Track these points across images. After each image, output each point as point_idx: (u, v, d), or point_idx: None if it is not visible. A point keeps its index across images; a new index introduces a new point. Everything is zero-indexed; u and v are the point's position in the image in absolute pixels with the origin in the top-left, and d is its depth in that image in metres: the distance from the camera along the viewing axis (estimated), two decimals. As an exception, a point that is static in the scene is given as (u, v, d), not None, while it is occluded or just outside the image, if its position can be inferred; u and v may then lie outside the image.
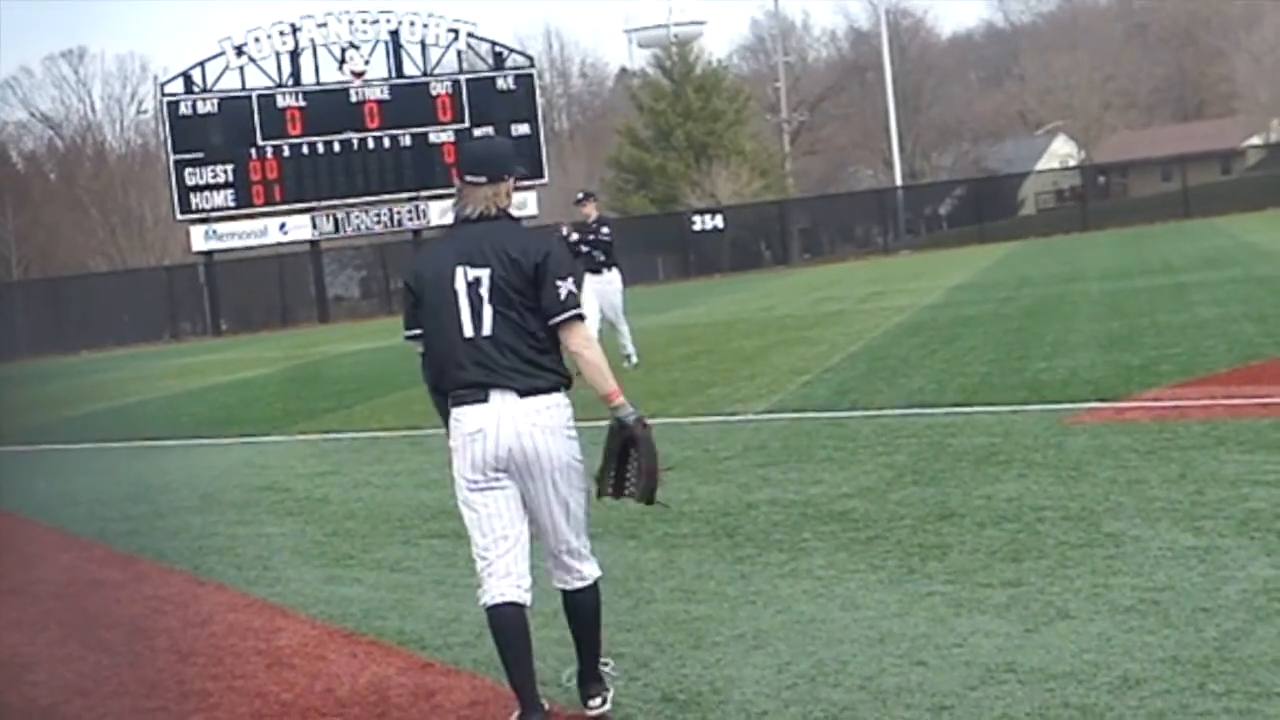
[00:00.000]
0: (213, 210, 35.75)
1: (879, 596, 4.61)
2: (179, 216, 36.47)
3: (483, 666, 4.25)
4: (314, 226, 36.59)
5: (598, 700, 3.72)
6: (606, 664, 3.80)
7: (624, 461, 3.72)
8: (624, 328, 13.25)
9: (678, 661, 4.11)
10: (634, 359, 13.10)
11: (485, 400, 3.52)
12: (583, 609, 3.73)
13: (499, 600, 3.56)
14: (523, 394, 3.54)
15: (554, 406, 3.59)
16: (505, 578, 3.59)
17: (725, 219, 42.52)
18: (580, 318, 3.62)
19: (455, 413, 3.57)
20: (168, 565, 6.28)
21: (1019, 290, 18.93)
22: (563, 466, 3.62)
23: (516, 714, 3.60)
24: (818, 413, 9.04)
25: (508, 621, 3.56)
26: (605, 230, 13.30)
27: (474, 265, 3.53)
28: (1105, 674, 3.67)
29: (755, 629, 4.37)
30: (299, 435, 10.85)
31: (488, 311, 3.54)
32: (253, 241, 36.67)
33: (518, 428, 3.53)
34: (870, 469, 6.85)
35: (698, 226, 42.32)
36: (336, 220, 36.65)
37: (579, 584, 3.72)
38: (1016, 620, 4.20)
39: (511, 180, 3.67)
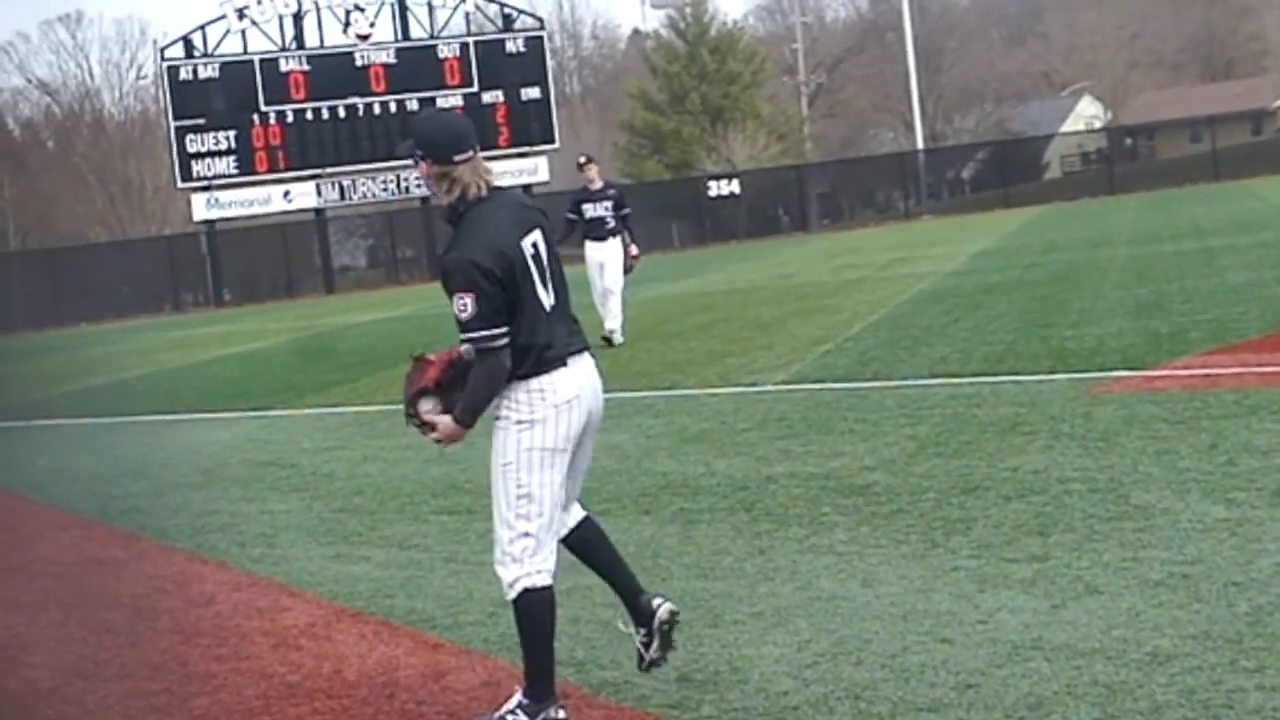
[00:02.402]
0: (215, 178, 35.41)
1: (902, 572, 4.54)
2: (180, 185, 36.14)
3: (494, 646, 4.19)
4: (319, 194, 36.20)
5: (658, 600, 3.63)
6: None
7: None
8: (615, 301, 12.69)
9: (695, 640, 4.04)
10: (619, 337, 12.60)
11: (566, 364, 3.45)
12: (602, 533, 3.69)
13: (548, 581, 3.42)
14: (584, 352, 3.54)
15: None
16: (550, 557, 3.46)
17: (742, 184, 42.24)
18: None
19: (540, 381, 3.40)
20: (170, 543, 6.23)
21: (1044, 256, 18.73)
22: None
23: (553, 708, 3.46)
24: (838, 383, 8.94)
25: (550, 602, 3.43)
26: (612, 192, 13.05)
27: (529, 231, 3.44)
28: (1135, 650, 3.60)
29: (774, 606, 4.31)
30: (304, 409, 10.79)
31: (551, 279, 3.49)
32: (256, 210, 36.31)
33: (597, 387, 3.54)
34: (892, 441, 6.75)
35: (713, 192, 42.06)
36: (342, 188, 36.26)
37: (582, 515, 3.69)
38: (1043, 596, 4.13)
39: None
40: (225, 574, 5.49)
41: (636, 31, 66.43)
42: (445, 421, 3.42)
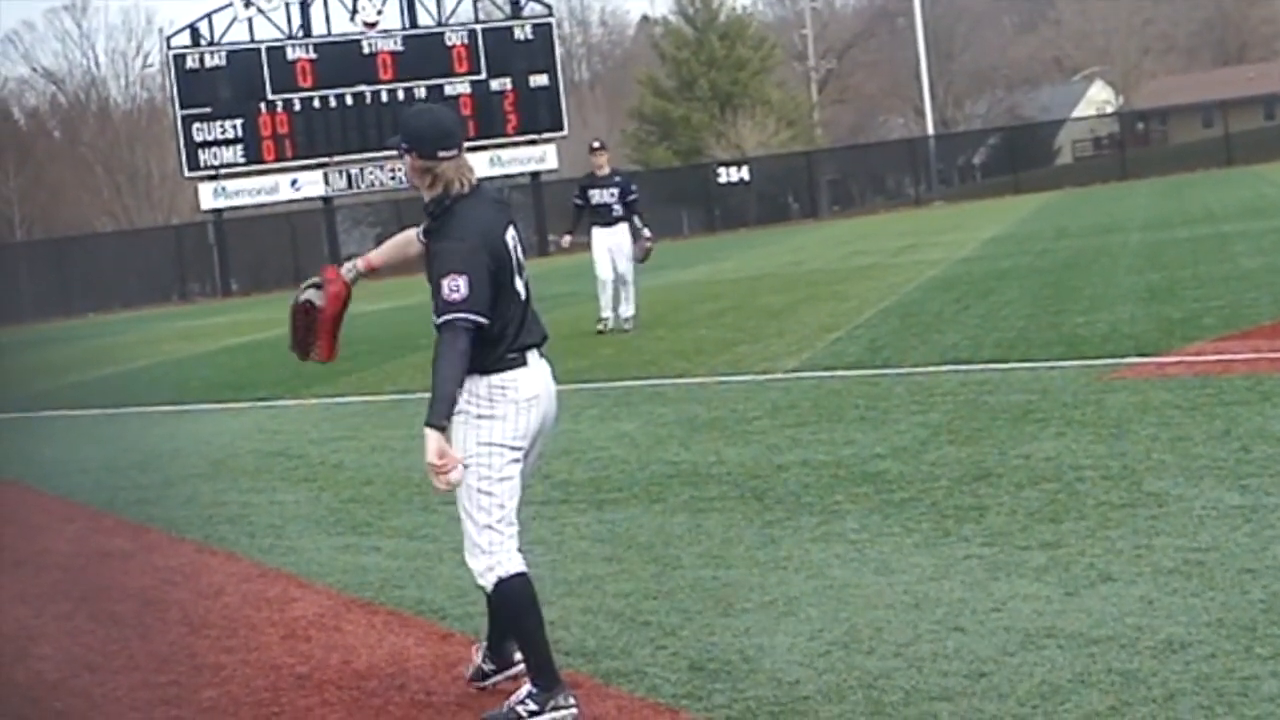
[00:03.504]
0: (222, 167, 35.32)
1: (914, 560, 4.51)
2: (187, 174, 36.02)
3: (505, 636, 4.17)
4: (326, 183, 36.07)
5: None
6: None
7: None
8: (630, 288, 12.76)
9: (706, 629, 4.03)
10: (631, 322, 12.65)
11: (527, 364, 3.51)
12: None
13: (520, 568, 3.48)
14: (541, 354, 3.59)
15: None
16: (516, 549, 3.54)
17: (751, 171, 42.10)
18: None
19: (503, 378, 3.45)
20: (178, 535, 6.22)
21: (1056, 242, 18.64)
22: None
23: (561, 695, 3.44)
24: (849, 371, 8.90)
25: (530, 591, 3.47)
26: (618, 179, 13.03)
27: (507, 226, 3.54)
28: (1148, 638, 3.58)
29: (786, 595, 4.28)
30: (313, 399, 10.75)
31: (524, 273, 3.58)
32: (263, 199, 36.19)
33: (550, 390, 3.59)
34: (904, 428, 6.72)
35: (723, 179, 41.92)
36: (350, 176, 36.12)
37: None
38: (1056, 583, 4.11)
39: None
40: (234, 565, 5.48)
41: (645, 18, 66.31)
42: (434, 447, 3.37)
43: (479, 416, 3.46)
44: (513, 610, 3.50)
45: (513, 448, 3.48)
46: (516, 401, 3.46)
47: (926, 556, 4.53)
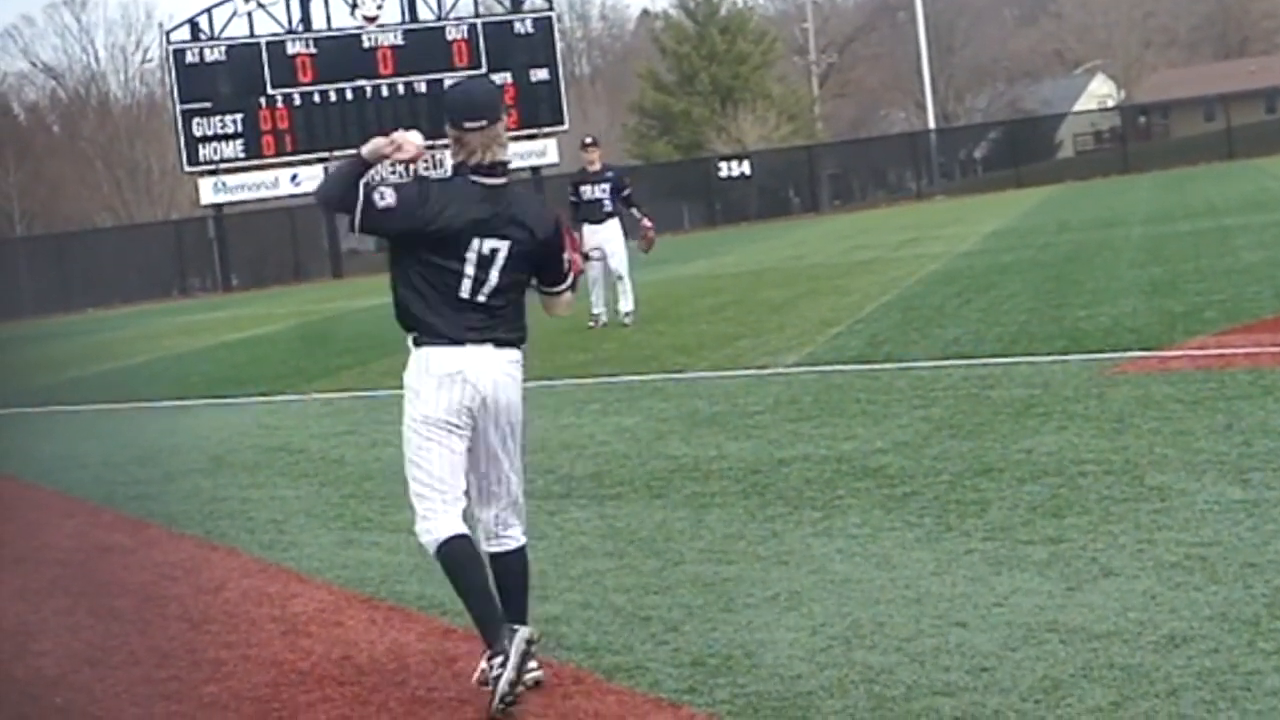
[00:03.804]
0: (222, 162, 35.30)
1: (916, 555, 4.51)
2: (187, 168, 36.01)
3: (507, 632, 4.16)
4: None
5: (533, 664, 3.63)
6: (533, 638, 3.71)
7: None
8: (626, 282, 12.77)
9: (708, 624, 4.03)
10: (631, 317, 12.65)
11: (461, 345, 3.56)
12: (515, 571, 3.71)
13: (454, 533, 3.53)
14: (497, 345, 3.60)
15: (517, 362, 3.66)
16: (457, 519, 3.58)
17: (752, 165, 42.04)
18: (572, 287, 3.77)
19: (424, 352, 3.56)
20: (178, 530, 6.20)
21: (1057, 236, 18.62)
22: (520, 421, 3.69)
23: (487, 655, 3.51)
24: (850, 365, 8.89)
25: (467, 552, 3.53)
26: (610, 175, 13.01)
27: (492, 236, 3.54)
28: (1151, 633, 3.57)
29: (788, 590, 4.28)
30: (313, 394, 10.74)
31: (493, 279, 3.58)
32: (263, 193, 36.18)
33: (495, 378, 3.58)
34: (905, 423, 6.71)
35: (724, 173, 41.86)
36: (349, 171, 36.36)
37: (514, 544, 3.71)
38: (1058, 578, 4.10)
39: (505, 122, 3.68)
40: (234, 560, 5.47)
41: (646, 12, 66.20)
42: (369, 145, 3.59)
43: (408, 389, 3.62)
44: (449, 574, 3.61)
45: (436, 422, 3.54)
46: (437, 376, 3.54)
47: (928, 551, 4.52)
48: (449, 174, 3.65)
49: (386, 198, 3.51)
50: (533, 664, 3.57)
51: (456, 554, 3.56)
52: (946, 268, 15.44)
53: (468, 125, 3.55)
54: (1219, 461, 5.22)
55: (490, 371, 3.58)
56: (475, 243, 3.54)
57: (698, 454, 6.55)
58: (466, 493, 3.63)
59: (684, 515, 5.38)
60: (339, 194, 3.53)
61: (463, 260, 3.54)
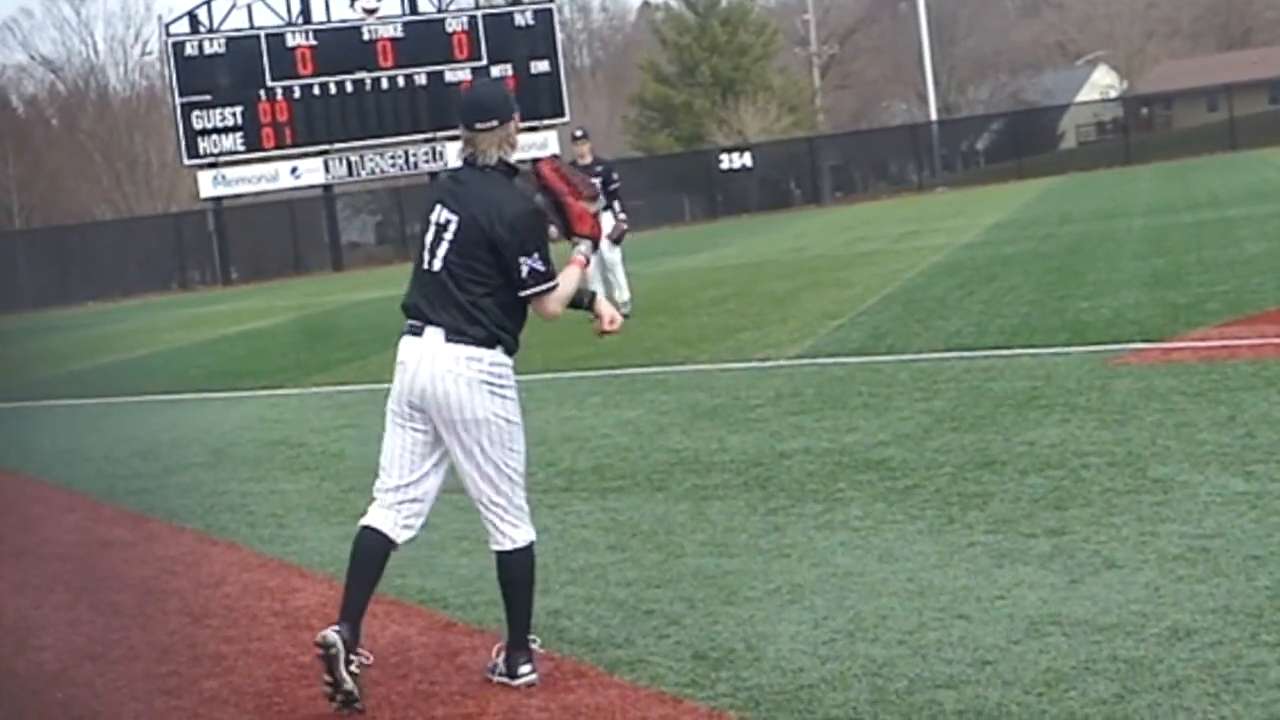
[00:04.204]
0: (221, 154, 35.14)
1: (918, 548, 4.50)
2: (186, 161, 35.84)
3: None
4: (327, 170, 35.85)
5: (527, 668, 3.64)
6: (534, 641, 3.72)
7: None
8: (619, 277, 12.75)
9: (710, 618, 4.02)
10: (628, 307, 12.55)
11: (419, 334, 3.63)
12: (505, 573, 3.70)
13: (366, 523, 3.69)
14: (449, 337, 3.60)
15: (476, 359, 3.58)
16: (389, 509, 3.68)
17: (754, 157, 41.98)
18: (551, 289, 3.68)
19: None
20: (179, 524, 6.20)
21: (1060, 227, 18.58)
22: (479, 420, 3.58)
23: (338, 626, 3.59)
24: (852, 357, 8.88)
25: (366, 546, 3.67)
26: (600, 168, 12.99)
27: (448, 208, 3.66)
28: (1154, 625, 3.56)
29: (790, 583, 4.27)
30: (313, 388, 10.73)
31: (443, 249, 3.64)
32: (263, 186, 35.98)
33: (434, 370, 3.58)
34: (907, 415, 6.70)
35: (725, 165, 41.79)
36: (350, 163, 35.87)
37: (498, 547, 3.71)
38: (1061, 571, 4.09)
39: (516, 120, 3.74)
40: (235, 555, 5.47)
41: (646, 3, 66.01)
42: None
43: None
44: (351, 556, 3.71)
45: (392, 410, 3.68)
46: (400, 363, 3.66)
47: (930, 544, 4.52)
48: (459, 164, 3.78)
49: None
50: (524, 668, 3.65)
51: (355, 544, 3.71)
52: (948, 259, 15.41)
53: (479, 126, 3.68)
54: (1222, 453, 5.21)
55: (431, 365, 3.59)
56: (437, 209, 3.69)
57: (699, 447, 6.54)
58: (407, 485, 3.67)
59: (685, 508, 5.38)
60: None
61: (427, 226, 3.69)
